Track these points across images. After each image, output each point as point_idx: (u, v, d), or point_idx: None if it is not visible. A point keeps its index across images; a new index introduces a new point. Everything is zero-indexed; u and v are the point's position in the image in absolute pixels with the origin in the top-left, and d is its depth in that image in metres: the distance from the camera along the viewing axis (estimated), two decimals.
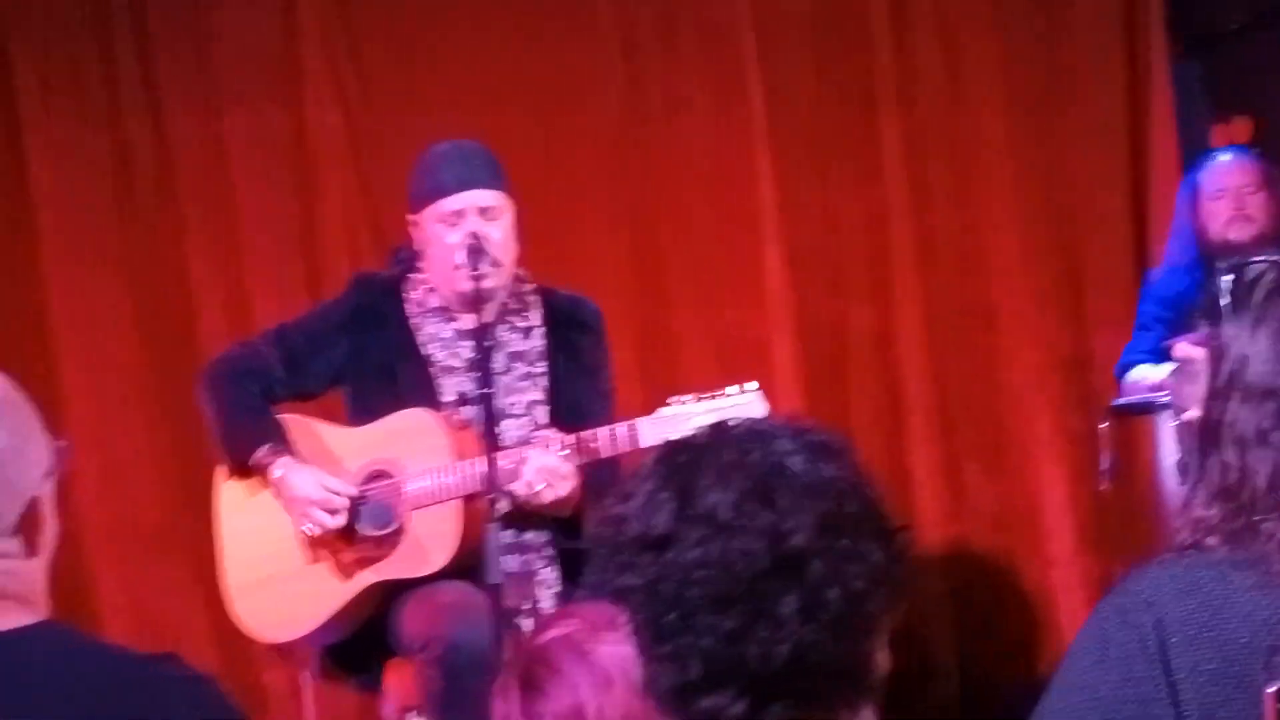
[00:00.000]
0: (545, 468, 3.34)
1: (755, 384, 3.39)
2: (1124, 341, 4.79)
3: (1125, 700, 1.79)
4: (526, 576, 3.42)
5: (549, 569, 3.51)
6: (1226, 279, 1.93)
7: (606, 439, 3.39)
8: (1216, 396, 1.90)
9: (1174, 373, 3.70)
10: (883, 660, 1.52)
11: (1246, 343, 1.89)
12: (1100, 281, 5.19)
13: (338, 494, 3.47)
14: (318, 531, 3.49)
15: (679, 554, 1.46)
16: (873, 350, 5.13)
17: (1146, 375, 4.43)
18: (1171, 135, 5.20)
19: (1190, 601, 1.80)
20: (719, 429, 1.54)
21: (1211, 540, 1.86)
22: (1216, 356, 1.92)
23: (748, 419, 1.57)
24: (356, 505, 3.51)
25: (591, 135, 5.07)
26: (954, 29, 5.18)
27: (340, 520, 3.48)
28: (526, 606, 3.35)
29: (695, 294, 5.08)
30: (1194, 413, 1.97)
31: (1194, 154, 5.10)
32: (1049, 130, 5.21)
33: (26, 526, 1.81)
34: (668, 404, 3.39)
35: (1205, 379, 1.93)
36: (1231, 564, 1.83)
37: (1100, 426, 4.26)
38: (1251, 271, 1.92)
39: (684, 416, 3.34)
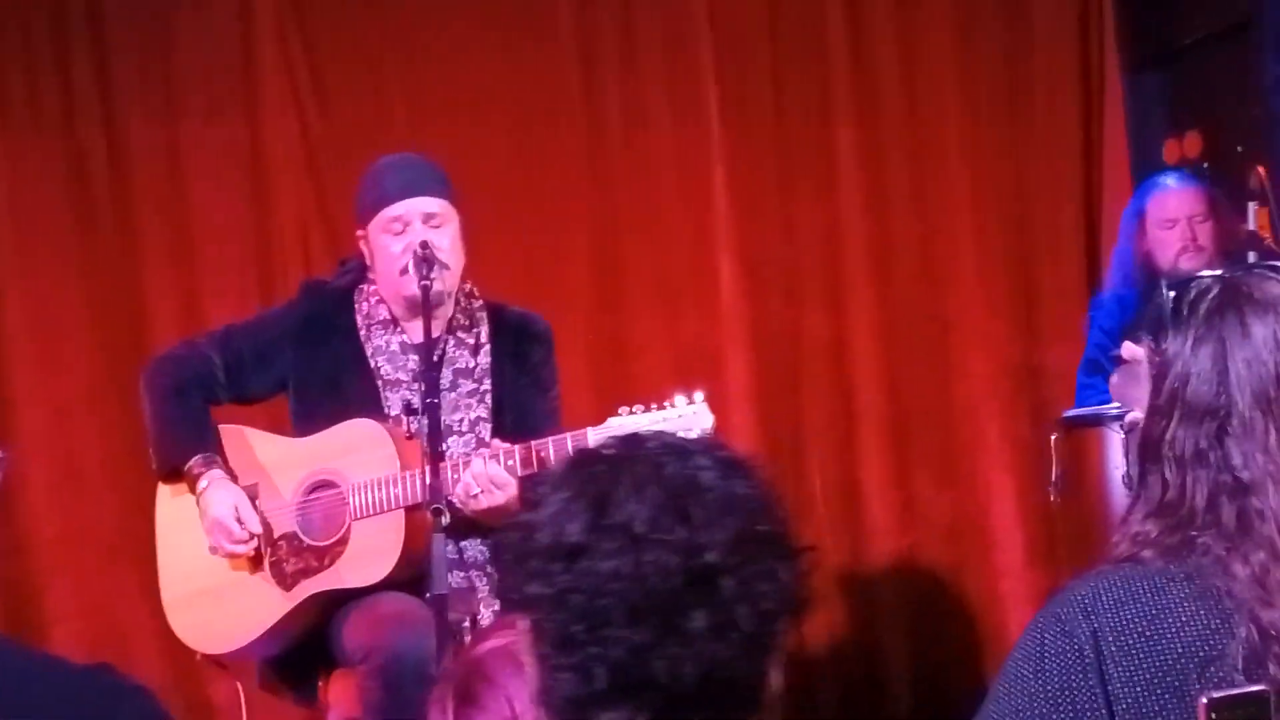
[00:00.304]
0: (483, 474, 3.32)
1: (701, 395, 3.39)
2: (1075, 354, 4.80)
3: (1062, 708, 1.79)
4: (468, 592, 3.41)
5: (488, 585, 3.50)
6: (1169, 294, 1.92)
7: (554, 449, 3.38)
8: (1157, 413, 1.90)
9: (1119, 372, 3.70)
10: (776, 678, 1.52)
11: (1188, 360, 1.88)
12: (1053, 292, 5.21)
13: (244, 524, 3.46)
14: (220, 553, 3.48)
15: (592, 564, 1.45)
16: (827, 359, 5.14)
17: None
18: (1123, 149, 5.23)
19: (1127, 611, 1.81)
20: (633, 440, 1.54)
21: (1148, 554, 1.86)
22: (1159, 374, 1.91)
23: (661, 432, 1.57)
24: (271, 528, 3.50)
25: (551, 146, 5.08)
26: (911, 40, 5.20)
27: (242, 549, 3.47)
28: (467, 623, 3.33)
29: (652, 303, 5.09)
30: (1138, 415, 1.98)
31: (1147, 168, 5.13)
32: (1005, 141, 5.23)
33: None
34: (616, 414, 3.38)
35: (1147, 391, 1.93)
36: (1168, 576, 1.83)
37: (1051, 438, 4.27)
38: (1195, 287, 1.92)
39: (631, 427, 3.33)
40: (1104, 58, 5.25)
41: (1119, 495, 4.13)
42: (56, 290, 4.84)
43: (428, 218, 3.50)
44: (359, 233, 3.60)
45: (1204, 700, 1.69)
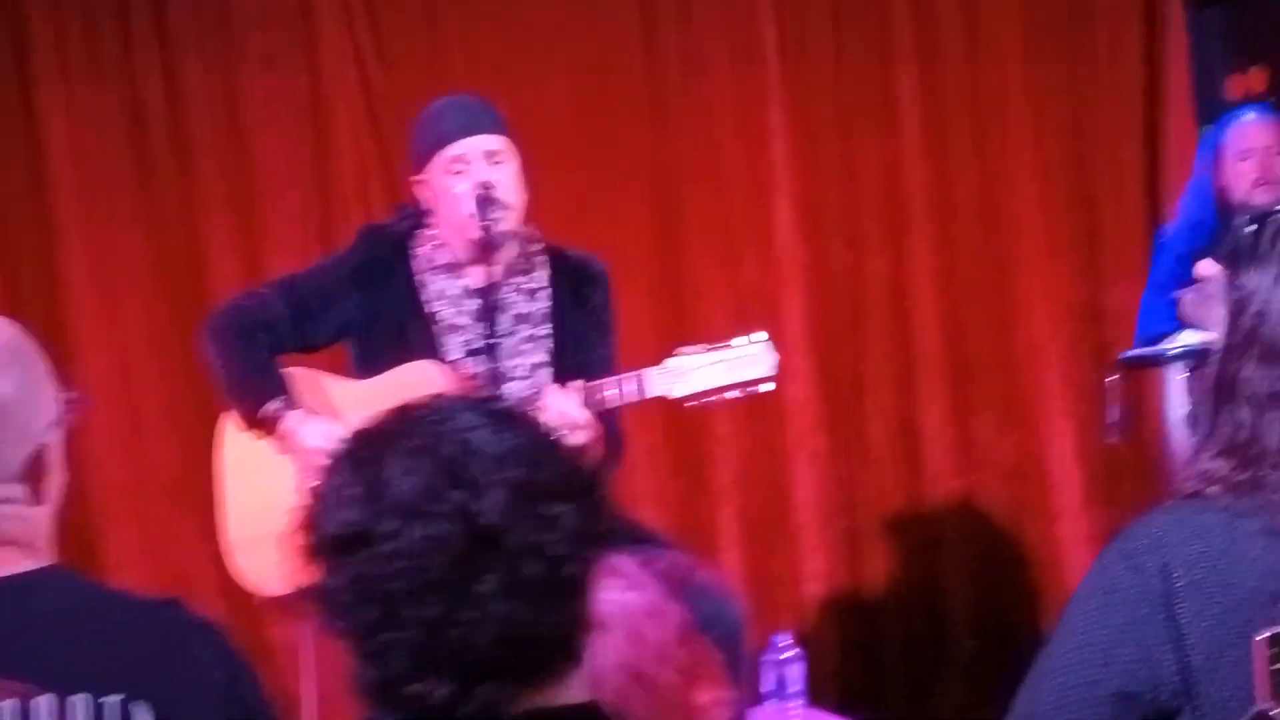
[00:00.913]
0: (563, 412, 3.27)
1: (763, 334, 3.36)
2: (1137, 294, 4.77)
3: (1129, 643, 1.78)
4: None
5: None
6: (1249, 229, 1.87)
7: (614, 389, 3.35)
8: (1233, 350, 1.86)
9: (1193, 289, 3.65)
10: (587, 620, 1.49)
11: (1268, 296, 1.84)
12: (1115, 234, 5.17)
13: None
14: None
15: (375, 548, 1.43)
16: (886, 303, 5.13)
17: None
18: (1186, 88, 5.17)
19: (1197, 545, 1.78)
20: (402, 412, 1.51)
21: (1216, 490, 1.84)
22: (1236, 308, 1.87)
23: (428, 398, 1.53)
24: None
25: (610, 93, 5.07)
26: None
27: None
28: None
29: (711, 248, 5.08)
30: (1213, 335, 1.92)
31: (1211, 105, 5.07)
32: (1067, 82, 5.18)
33: (32, 474, 1.83)
34: (675, 354, 3.36)
35: (1224, 316, 1.88)
36: (1237, 512, 1.81)
37: (1108, 379, 4.24)
38: (1275, 221, 1.87)
39: (691, 367, 3.32)
40: None
41: (1179, 435, 4.10)
42: (118, 238, 4.88)
43: (489, 155, 3.46)
44: (416, 178, 3.56)
45: (1264, 635, 1.67)
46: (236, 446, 3.59)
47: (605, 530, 1.49)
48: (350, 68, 4.95)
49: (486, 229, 3.38)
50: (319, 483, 1.50)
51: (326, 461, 1.51)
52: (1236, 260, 1.88)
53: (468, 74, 4.91)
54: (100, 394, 4.71)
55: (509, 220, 3.46)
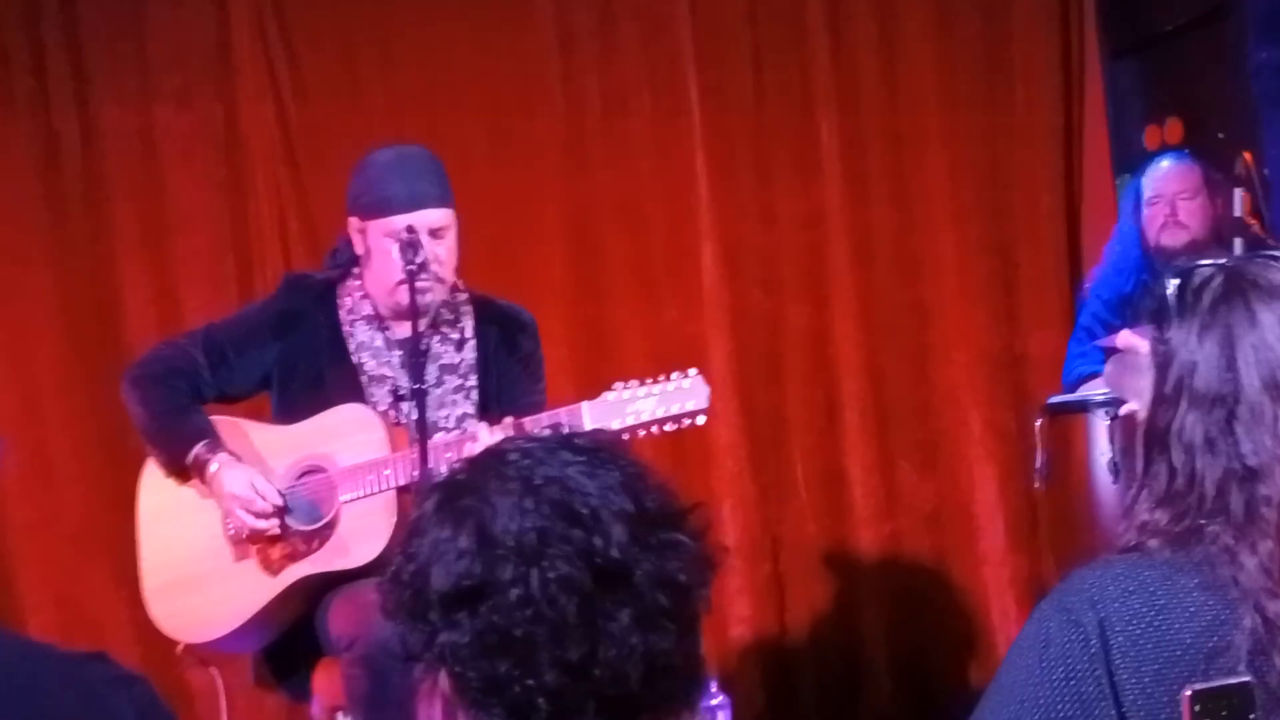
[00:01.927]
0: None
1: (695, 370, 3.36)
2: (1055, 339, 4.81)
3: (1067, 699, 1.77)
4: None
5: None
6: (1173, 283, 1.90)
7: (548, 423, 3.32)
8: (1163, 402, 1.88)
9: (1113, 361, 3.69)
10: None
11: (1194, 348, 1.86)
12: (1033, 281, 5.22)
13: (264, 497, 3.41)
14: (244, 533, 3.44)
15: (497, 599, 1.38)
16: (808, 347, 5.13)
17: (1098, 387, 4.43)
18: (1103, 136, 5.23)
19: (1135, 601, 1.79)
20: (486, 458, 1.47)
21: (1155, 543, 1.84)
22: (1163, 363, 1.89)
23: (504, 442, 1.49)
24: (286, 501, 3.46)
25: (530, 134, 5.04)
26: (891, 28, 5.19)
27: (265, 524, 3.42)
28: None
29: (633, 292, 5.07)
30: (1133, 405, 1.95)
31: (1129, 155, 5.14)
32: (985, 129, 5.23)
33: None
34: (611, 389, 3.35)
35: (1150, 380, 1.90)
36: (1176, 565, 1.82)
37: (1036, 424, 4.26)
38: (1198, 276, 1.89)
39: (628, 401, 3.31)
40: (1084, 44, 5.26)
41: (1103, 482, 4.12)
42: (27, 276, 4.77)
43: (434, 231, 3.44)
44: (356, 224, 3.52)
45: (1188, 692, 1.65)
46: (155, 492, 3.54)
47: (719, 556, 1.46)
48: (267, 105, 4.89)
49: (416, 297, 3.32)
50: (412, 542, 1.44)
51: (415, 519, 1.46)
52: (1161, 317, 1.90)
53: (386, 113, 4.87)
54: (8, 434, 4.61)
55: (439, 292, 3.46)
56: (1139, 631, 1.77)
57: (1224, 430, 1.83)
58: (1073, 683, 1.77)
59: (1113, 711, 1.76)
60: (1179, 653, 1.77)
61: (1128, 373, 1.99)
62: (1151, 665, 1.76)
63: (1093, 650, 1.77)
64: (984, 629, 5.02)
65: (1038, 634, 1.82)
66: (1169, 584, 1.80)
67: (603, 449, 1.46)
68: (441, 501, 1.44)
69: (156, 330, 4.53)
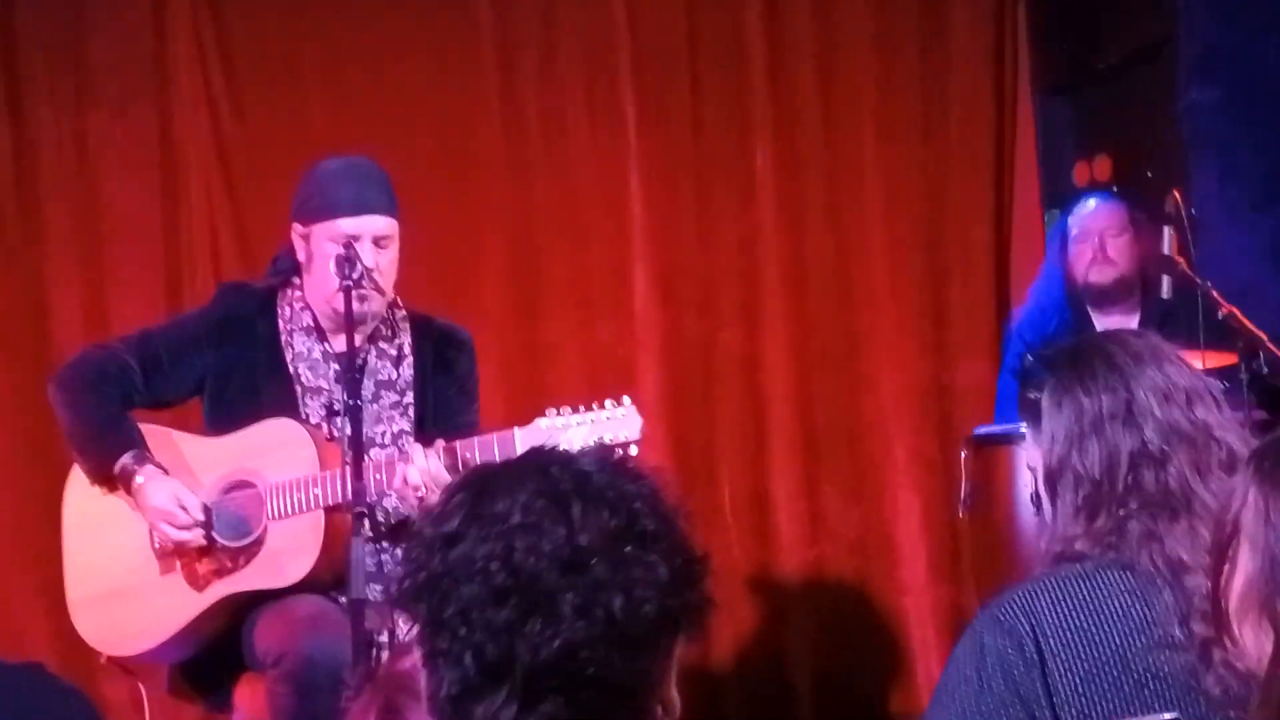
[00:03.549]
0: (426, 471, 3.24)
1: (628, 398, 3.37)
2: (982, 371, 4.85)
3: (1009, 703, 1.84)
4: (386, 605, 3.32)
5: None
6: (1030, 358, 2.13)
7: (480, 449, 3.32)
8: (1063, 440, 2.02)
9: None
10: (673, 699, 1.51)
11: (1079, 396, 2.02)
12: (962, 311, 5.25)
13: (188, 510, 3.39)
14: (169, 545, 3.42)
15: (467, 549, 1.47)
16: (739, 372, 5.15)
17: None
18: (1034, 171, 5.29)
19: (1064, 607, 1.88)
20: (532, 453, 1.57)
21: (1081, 545, 1.94)
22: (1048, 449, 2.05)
23: (558, 448, 1.58)
24: (213, 515, 3.44)
25: (468, 152, 5.05)
26: (829, 57, 5.23)
27: (187, 536, 3.39)
28: (385, 637, 3.25)
29: (567, 311, 5.07)
30: (1034, 460, 2.08)
31: (1058, 191, 5.20)
32: (919, 161, 5.27)
33: None
34: (544, 415, 3.35)
35: (1046, 432, 2.05)
36: (1103, 564, 1.91)
37: (961, 455, 4.29)
38: (1051, 349, 2.14)
39: (560, 429, 3.31)
40: (1017, 81, 5.31)
41: (1027, 514, 4.15)
42: None
43: (378, 239, 3.43)
44: (298, 227, 3.50)
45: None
46: (82, 501, 3.50)
47: (692, 603, 1.50)
48: (203, 114, 4.88)
49: (356, 305, 3.32)
50: (434, 502, 1.56)
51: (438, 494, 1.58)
52: (1028, 380, 2.07)
53: (326, 126, 4.87)
54: None
55: (377, 303, 3.44)
56: (1070, 635, 1.86)
57: (1126, 421, 1.96)
58: (1012, 688, 1.85)
59: (1049, 714, 1.84)
60: (1109, 654, 1.86)
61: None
62: (1082, 667, 1.85)
63: (1028, 656, 1.86)
64: (905, 657, 5.05)
65: (974, 647, 1.90)
66: (1096, 587, 1.90)
67: (634, 468, 1.56)
68: (468, 478, 1.55)
69: (84, 336, 4.50)
